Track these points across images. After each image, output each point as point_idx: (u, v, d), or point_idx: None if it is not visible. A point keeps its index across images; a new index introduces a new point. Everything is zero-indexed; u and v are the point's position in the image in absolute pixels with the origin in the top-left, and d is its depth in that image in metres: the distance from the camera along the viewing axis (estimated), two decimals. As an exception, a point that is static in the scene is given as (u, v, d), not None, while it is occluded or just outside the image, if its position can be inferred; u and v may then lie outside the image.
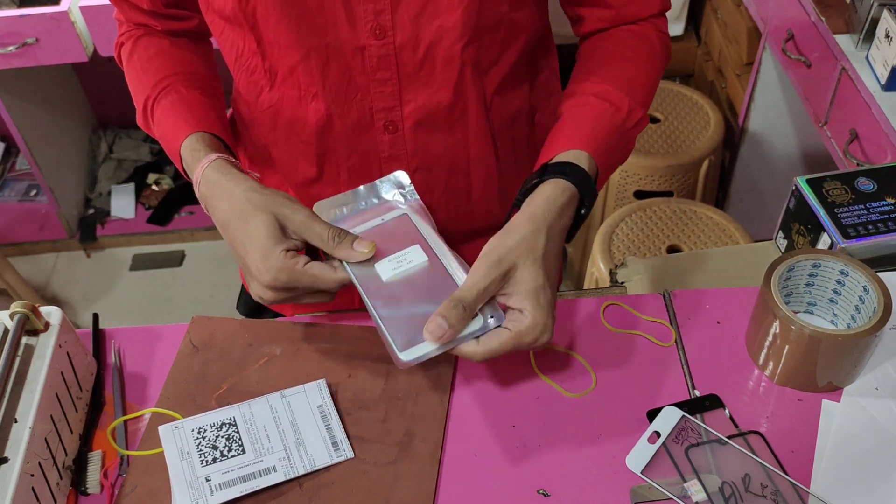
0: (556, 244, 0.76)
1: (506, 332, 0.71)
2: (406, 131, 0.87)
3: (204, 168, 0.81)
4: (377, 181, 0.84)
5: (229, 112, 1.00)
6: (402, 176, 0.84)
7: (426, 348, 0.70)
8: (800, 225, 0.95)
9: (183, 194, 2.65)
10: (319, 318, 0.90)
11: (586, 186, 0.78)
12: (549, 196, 0.76)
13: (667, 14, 0.93)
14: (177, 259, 2.58)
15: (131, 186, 2.68)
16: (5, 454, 0.68)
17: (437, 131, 0.88)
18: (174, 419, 0.79)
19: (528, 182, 0.79)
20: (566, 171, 0.78)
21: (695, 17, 2.50)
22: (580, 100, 0.85)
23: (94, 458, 0.77)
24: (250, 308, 1.14)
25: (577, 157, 0.79)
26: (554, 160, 0.80)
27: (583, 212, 0.79)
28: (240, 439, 0.76)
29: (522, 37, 0.86)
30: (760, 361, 0.82)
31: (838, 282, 0.82)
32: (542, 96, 0.95)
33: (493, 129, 0.90)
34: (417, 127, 0.87)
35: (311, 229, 0.76)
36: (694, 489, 0.72)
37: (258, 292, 0.77)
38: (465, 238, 0.98)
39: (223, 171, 0.80)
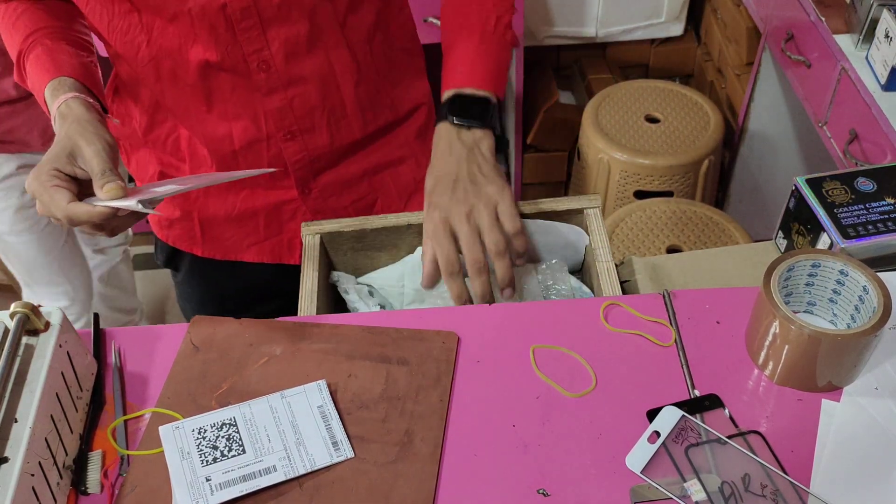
0: (459, 157, 0.92)
1: None
2: (278, 66, 0.96)
3: (58, 106, 0.88)
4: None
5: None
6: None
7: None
8: (799, 225, 0.95)
9: (183, 194, 2.65)
10: (319, 318, 0.90)
11: (491, 121, 0.96)
12: (443, 135, 0.94)
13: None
14: (177, 259, 2.57)
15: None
16: (5, 454, 0.68)
17: (303, 58, 0.97)
18: (174, 419, 0.79)
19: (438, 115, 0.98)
20: (461, 112, 0.95)
21: (695, 17, 2.50)
22: (459, 32, 1.00)
23: (95, 457, 0.77)
24: (166, 255, 1.23)
25: (475, 91, 0.96)
26: (456, 93, 0.96)
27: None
28: (240, 439, 0.76)
29: None
30: (760, 361, 0.82)
31: (838, 282, 0.82)
32: (393, 11, 1.06)
33: (349, 43, 1.00)
34: (287, 60, 0.96)
35: (90, 161, 0.83)
36: (694, 489, 0.72)
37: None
38: (351, 149, 1.10)
39: (71, 108, 0.87)
